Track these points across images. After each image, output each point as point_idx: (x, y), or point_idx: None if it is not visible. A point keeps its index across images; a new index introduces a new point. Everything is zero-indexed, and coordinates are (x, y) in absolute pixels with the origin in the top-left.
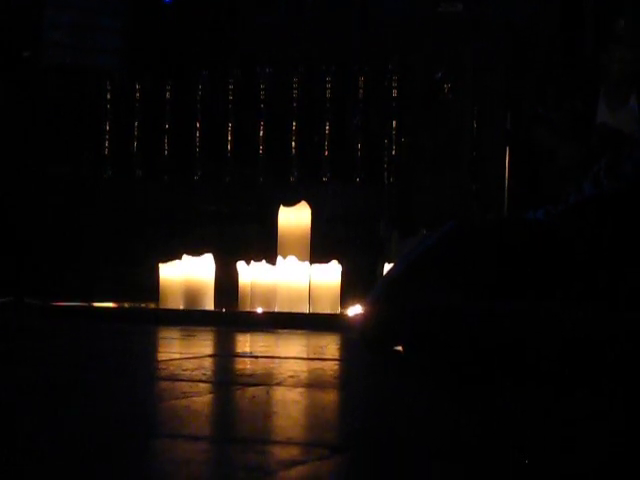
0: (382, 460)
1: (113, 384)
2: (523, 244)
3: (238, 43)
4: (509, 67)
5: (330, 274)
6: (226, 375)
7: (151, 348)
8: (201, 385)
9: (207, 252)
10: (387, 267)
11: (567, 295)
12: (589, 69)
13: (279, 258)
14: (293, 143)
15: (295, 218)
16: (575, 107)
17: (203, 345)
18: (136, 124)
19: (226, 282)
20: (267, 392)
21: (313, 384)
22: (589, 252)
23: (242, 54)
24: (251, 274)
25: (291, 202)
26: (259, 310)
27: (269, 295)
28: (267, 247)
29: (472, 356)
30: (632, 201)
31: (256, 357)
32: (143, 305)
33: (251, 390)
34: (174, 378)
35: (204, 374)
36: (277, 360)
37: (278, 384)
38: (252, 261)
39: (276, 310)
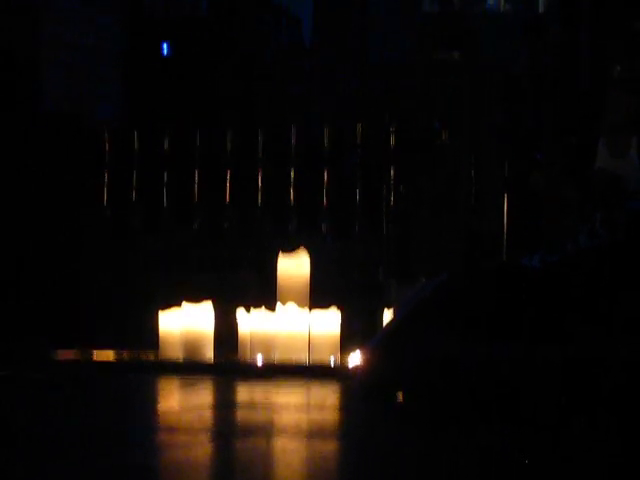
0: None
1: (113, 434)
2: (519, 291)
3: (236, 92)
4: (506, 112)
5: (329, 321)
6: (226, 425)
7: (151, 398)
8: (201, 435)
9: (207, 299)
10: (386, 313)
11: (561, 339)
12: (587, 114)
13: (278, 305)
14: (292, 191)
15: (294, 265)
16: (572, 152)
17: (203, 394)
18: (134, 173)
19: (226, 330)
20: (267, 442)
21: (313, 433)
22: (584, 300)
23: (240, 102)
24: (250, 322)
25: (290, 249)
26: (259, 358)
27: (268, 343)
28: (266, 294)
29: (470, 403)
30: (626, 252)
31: (256, 407)
32: (143, 355)
33: (251, 440)
34: (174, 428)
35: (204, 424)
36: (277, 409)
37: (278, 433)
38: (251, 308)
39: (276, 358)
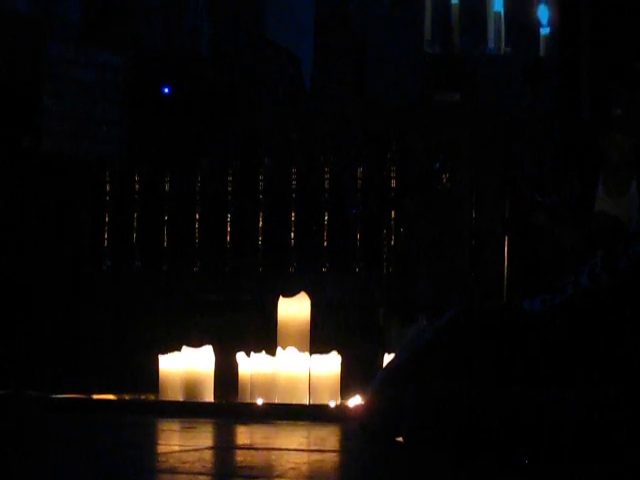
0: None
1: (112, 477)
2: (521, 335)
3: (236, 132)
4: (507, 154)
5: (330, 365)
6: (226, 467)
7: (151, 440)
8: (201, 478)
9: (207, 343)
10: (387, 356)
11: (565, 383)
12: (587, 155)
13: (279, 349)
14: (292, 233)
15: (295, 309)
16: (574, 194)
17: (203, 437)
18: (135, 214)
19: (226, 373)
20: None
21: (314, 476)
22: (587, 343)
23: (240, 143)
24: (251, 365)
25: (291, 293)
26: (259, 401)
27: (269, 386)
28: (266, 337)
29: (475, 445)
30: (627, 295)
31: (256, 449)
32: (143, 397)
33: None
34: (174, 471)
35: (204, 466)
36: (277, 452)
37: (279, 477)
38: (252, 352)
39: (276, 401)
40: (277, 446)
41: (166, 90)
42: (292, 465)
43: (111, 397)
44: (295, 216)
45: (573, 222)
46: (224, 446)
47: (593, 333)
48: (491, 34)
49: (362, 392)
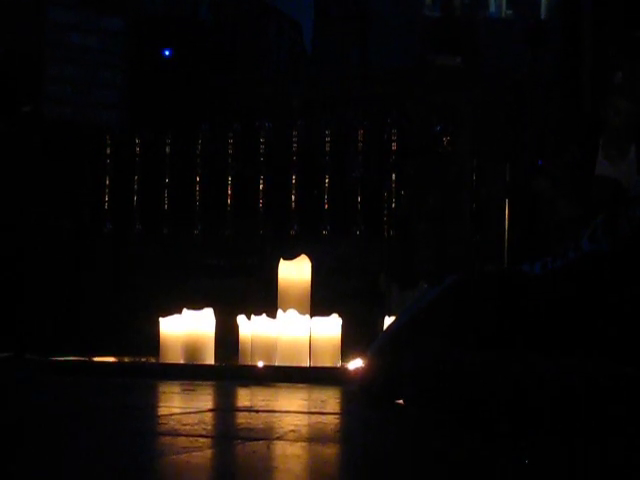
0: None
1: (113, 439)
2: (521, 299)
3: (237, 96)
4: (508, 119)
5: (330, 328)
6: (227, 430)
7: (151, 402)
8: (201, 440)
9: (207, 306)
10: (387, 320)
11: (565, 348)
12: (588, 120)
13: (279, 312)
14: (293, 196)
15: (295, 271)
16: (574, 158)
17: (203, 399)
18: (136, 178)
19: (226, 336)
20: (268, 447)
21: (314, 438)
22: (587, 307)
23: (241, 107)
24: (251, 328)
25: (291, 255)
26: (260, 364)
27: (269, 349)
28: (267, 300)
29: (474, 409)
30: (628, 258)
31: (257, 411)
32: (143, 359)
33: (252, 445)
34: (174, 433)
35: (204, 429)
36: (278, 414)
37: (279, 438)
38: (252, 315)
39: (276, 364)
40: (277, 408)
41: (167, 53)
42: (292, 427)
43: (112, 360)
44: (296, 179)
45: (573, 187)
46: (224, 408)
47: (594, 296)
48: None
49: (362, 355)
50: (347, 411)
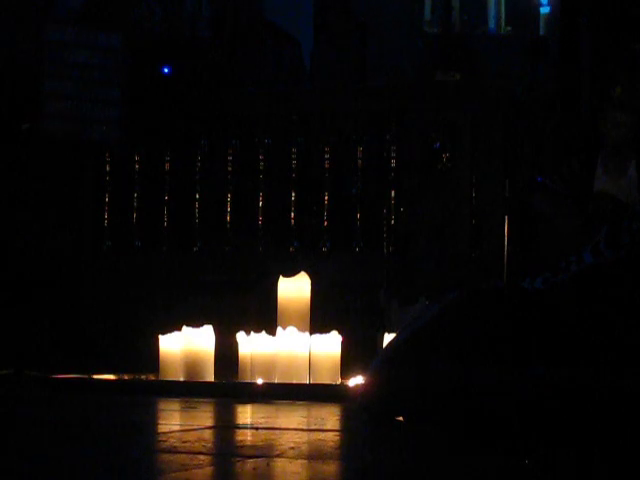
0: None
1: (113, 456)
2: (523, 314)
3: (236, 113)
4: (507, 134)
5: (330, 345)
6: (226, 447)
7: (151, 420)
8: (201, 457)
9: (207, 323)
10: (387, 336)
11: (570, 360)
12: (587, 135)
13: (279, 329)
14: (292, 213)
15: (295, 289)
16: (573, 174)
17: (203, 417)
18: (135, 195)
19: (226, 353)
20: (268, 464)
21: (314, 456)
22: (592, 320)
23: (240, 123)
24: (251, 345)
25: (291, 273)
26: (259, 381)
27: (269, 366)
28: (267, 317)
29: (476, 426)
30: (631, 270)
31: (257, 429)
32: (143, 377)
33: (251, 462)
34: (174, 450)
35: (204, 446)
36: (277, 431)
37: (279, 456)
38: (252, 332)
39: (276, 381)
40: (277, 425)
41: (166, 70)
42: (292, 444)
43: (111, 377)
44: (295, 196)
45: (572, 203)
46: (224, 425)
47: (598, 308)
48: (491, 13)
49: (363, 372)
50: (347, 428)
